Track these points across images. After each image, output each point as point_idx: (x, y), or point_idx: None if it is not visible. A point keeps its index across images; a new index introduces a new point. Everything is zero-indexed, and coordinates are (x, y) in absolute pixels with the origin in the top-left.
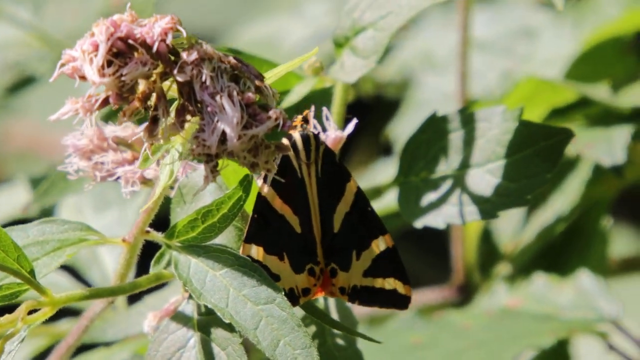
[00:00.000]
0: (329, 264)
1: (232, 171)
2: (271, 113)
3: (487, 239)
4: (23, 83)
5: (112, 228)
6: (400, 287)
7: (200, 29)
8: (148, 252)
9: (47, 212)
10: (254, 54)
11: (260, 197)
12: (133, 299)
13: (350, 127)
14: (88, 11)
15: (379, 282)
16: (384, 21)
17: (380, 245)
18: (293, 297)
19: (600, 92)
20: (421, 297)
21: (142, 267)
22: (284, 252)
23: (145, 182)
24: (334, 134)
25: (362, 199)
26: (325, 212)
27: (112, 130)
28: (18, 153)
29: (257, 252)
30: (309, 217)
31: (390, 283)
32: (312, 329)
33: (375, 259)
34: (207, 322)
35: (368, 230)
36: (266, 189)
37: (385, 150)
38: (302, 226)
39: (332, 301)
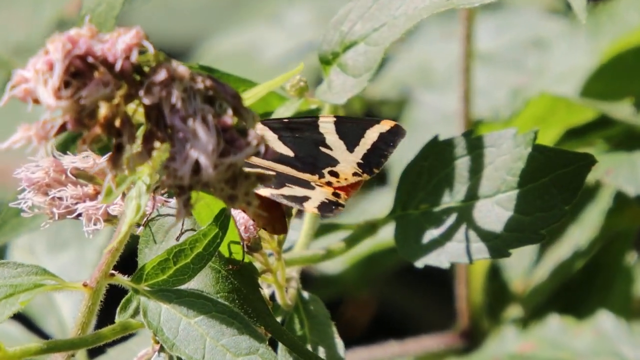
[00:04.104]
0: (322, 174)
1: (204, 205)
2: (251, 138)
3: (495, 277)
4: None
5: (69, 270)
6: (382, 126)
7: (170, 40)
8: (112, 298)
9: None
10: (229, 71)
11: None
12: (94, 351)
13: None
14: (39, 20)
15: (366, 141)
16: (377, 34)
17: (325, 127)
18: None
19: (621, 110)
20: (421, 344)
21: (105, 314)
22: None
23: (110, 219)
24: None
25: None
26: None
27: (70, 161)
28: None
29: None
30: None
31: (372, 133)
32: None
33: (338, 135)
34: None
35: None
36: None
37: (379, 177)
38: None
39: (321, 349)
